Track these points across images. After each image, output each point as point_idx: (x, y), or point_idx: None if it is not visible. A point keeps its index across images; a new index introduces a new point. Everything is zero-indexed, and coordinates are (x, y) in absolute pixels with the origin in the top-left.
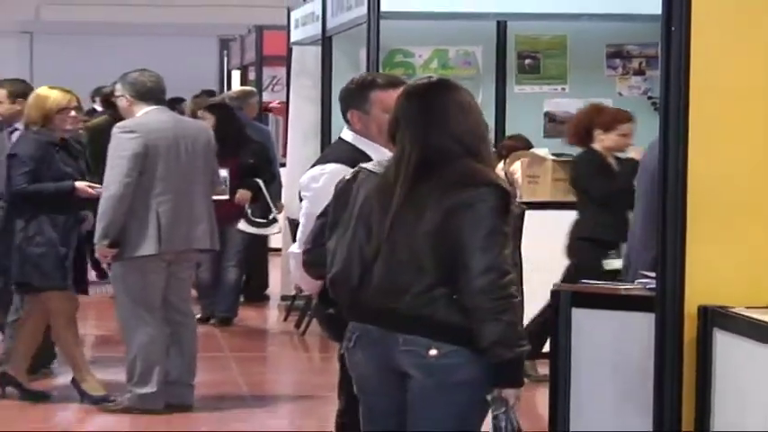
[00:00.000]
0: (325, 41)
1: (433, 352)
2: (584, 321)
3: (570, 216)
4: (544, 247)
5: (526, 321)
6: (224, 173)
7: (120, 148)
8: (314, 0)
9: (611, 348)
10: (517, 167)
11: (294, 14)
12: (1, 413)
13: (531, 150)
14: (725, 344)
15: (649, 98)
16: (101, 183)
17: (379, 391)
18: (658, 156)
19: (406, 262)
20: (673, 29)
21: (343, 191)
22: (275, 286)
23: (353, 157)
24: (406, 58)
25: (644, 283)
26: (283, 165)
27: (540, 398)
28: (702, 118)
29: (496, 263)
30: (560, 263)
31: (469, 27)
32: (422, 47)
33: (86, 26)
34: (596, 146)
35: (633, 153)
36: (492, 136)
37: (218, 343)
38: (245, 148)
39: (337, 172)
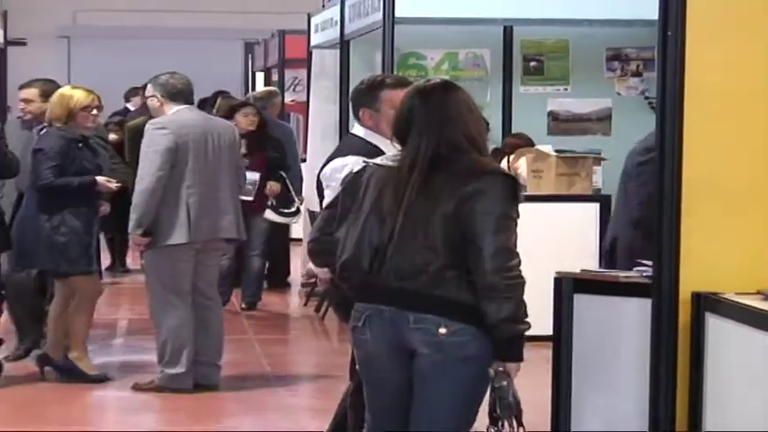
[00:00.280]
0: (343, 45)
1: (442, 330)
2: (584, 306)
3: (571, 208)
4: (547, 237)
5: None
6: (254, 176)
7: (153, 143)
8: (333, 6)
9: (611, 331)
10: (521, 163)
11: (314, 20)
12: (41, 392)
13: (536, 147)
14: (716, 327)
15: (646, 98)
16: None
17: (385, 369)
18: (656, 152)
19: (421, 246)
20: (669, 33)
21: (352, 183)
22: (296, 273)
23: (367, 149)
24: (419, 60)
25: (641, 271)
26: (304, 160)
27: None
28: (696, 116)
29: (507, 245)
30: (562, 252)
31: (478, 31)
32: (433, 50)
33: (120, 31)
34: None
35: None
36: (499, 133)
37: (243, 326)
38: (270, 143)
39: (357, 163)
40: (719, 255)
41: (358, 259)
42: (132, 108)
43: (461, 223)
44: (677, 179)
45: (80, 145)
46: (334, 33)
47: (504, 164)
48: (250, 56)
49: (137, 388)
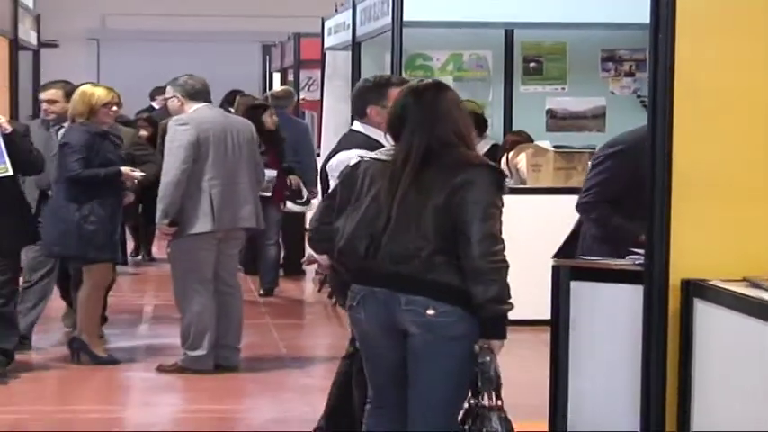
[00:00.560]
0: (355, 47)
1: (430, 311)
2: (580, 292)
3: (568, 200)
4: (546, 227)
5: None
6: (272, 173)
7: (176, 139)
8: (345, 11)
9: (605, 316)
10: (521, 158)
11: (327, 23)
12: (73, 373)
13: (535, 143)
14: (704, 312)
15: (638, 97)
16: None
17: (380, 346)
18: (647, 148)
19: (414, 234)
20: (660, 36)
21: (349, 176)
22: None
23: (369, 143)
24: (426, 61)
25: (633, 259)
26: (318, 155)
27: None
28: (685, 114)
29: (492, 232)
30: (560, 241)
31: (481, 34)
32: (439, 51)
33: (146, 34)
34: None
35: None
36: (500, 130)
37: (261, 311)
38: (281, 141)
39: (357, 155)
40: (707, 244)
41: (354, 245)
42: (157, 106)
43: (452, 212)
44: (667, 173)
45: (102, 139)
46: (346, 36)
47: (504, 159)
48: (267, 57)
49: (161, 369)
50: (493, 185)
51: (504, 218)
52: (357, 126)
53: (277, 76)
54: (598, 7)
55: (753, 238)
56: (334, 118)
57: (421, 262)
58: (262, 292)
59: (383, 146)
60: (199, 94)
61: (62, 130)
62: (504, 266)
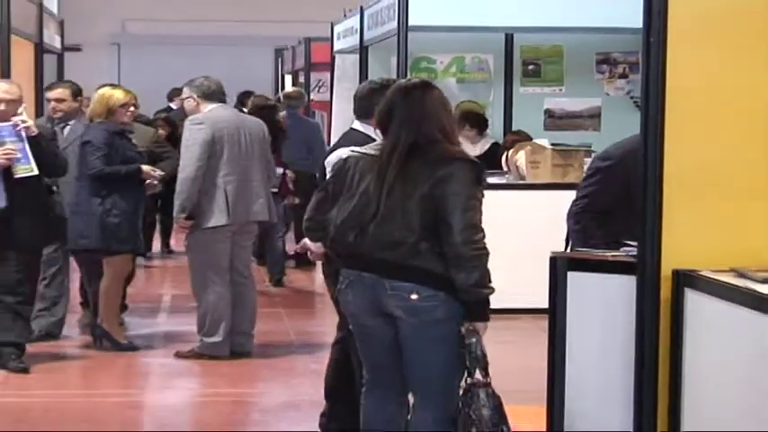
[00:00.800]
0: (363, 51)
1: (414, 296)
2: (577, 282)
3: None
4: (544, 221)
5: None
6: (279, 170)
7: (192, 137)
8: (353, 16)
9: (600, 305)
10: (520, 155)
11: (336, 28)
12: (95, 359)
13: (534, 141)
14: (694, 301)
15: (632, 98)
16: None
17: (368, 326)
18: (640, 146)
19: (400, 222)
20: (652, 40)
21: (340, 170)
22: None
23: (366, 141)
24: (430, 64)
25: (627, 251)
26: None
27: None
28: (676, 113)
29: (473, 222)
30: (557, 234)
31: (482, 38)
32: (443, 54)
33: (165, 38)
34: None
35: None
36: (501, 129)
37: (274, 300)
38: (284, 138)
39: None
40: (697, 236)
41: (344, 234)
42: (174, 107)
43: (435, 203)
44: (659, 169)
45: (120, 137)
46: (354, 40)
47: (504, 157)
48: (280, 60)
49: (179, 355)
50: (472, 179)
51: (504, 211)
52: (357, 125)
53: (289, 78)
54: (593, 13)
55: (740, 230)
56: (343, 118)
57: (406, 249)
58: (272, 283)
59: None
60: (214, 94)
61: (67, 128)
62: (484, 253)
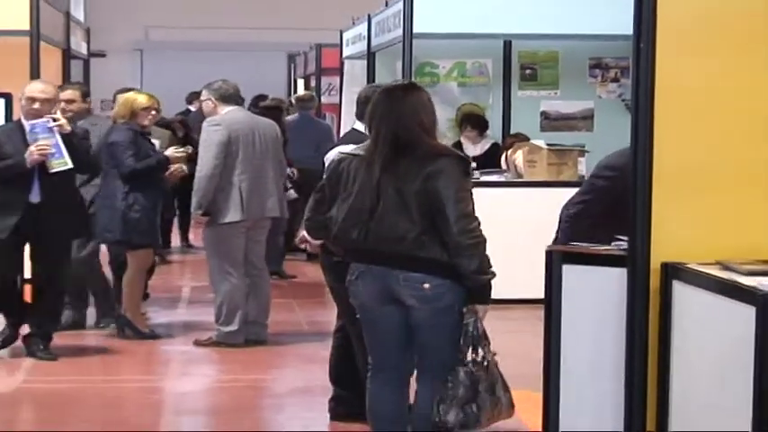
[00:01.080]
0: (370, 56)
1: (426, 285)
2: (571, 275)
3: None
4: (540, 216)
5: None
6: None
7: (210, 138)
8: (361, 24)
9: (593, 296)
10: (518, 155)
11: (345, 35)
12: (119, 347)
13: (531, 141)
14: (681, 292)
15: (623, 100)
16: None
17: (378, 313)
18: (630, 146)
19: (401, 218)
20: (641, 46)
21: (334, 172)
22: None
23: (364, 139)
24: (433, 69)
25: (618, 245)
26: None
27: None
28: (665, 114)
29: (467, 211)
30: (553, 229)
31: (483, 44)
32: (445, 60)
33: (185, 45)
34: None
35: None
36: (499, 129)
37: (286, 292)
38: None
39: (353, 150)
40: (684, 231)
41: (347, 232)
42: (193, 109)
43: (429, 196)
44: (649, 168)
45: (141, 136)
46: (362, 46)
47: (504, 156)
48: (292, 65)
49: (197, 343)
50: (461, 172)
51: (503, 207)
52: (358, 126)
53: (301, 82)
54: (587, 20)
55: (725, 225)
56: (352, 120)
57: (412, 242)
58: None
59: None
60: (231, 97)
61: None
62: (481, 241)
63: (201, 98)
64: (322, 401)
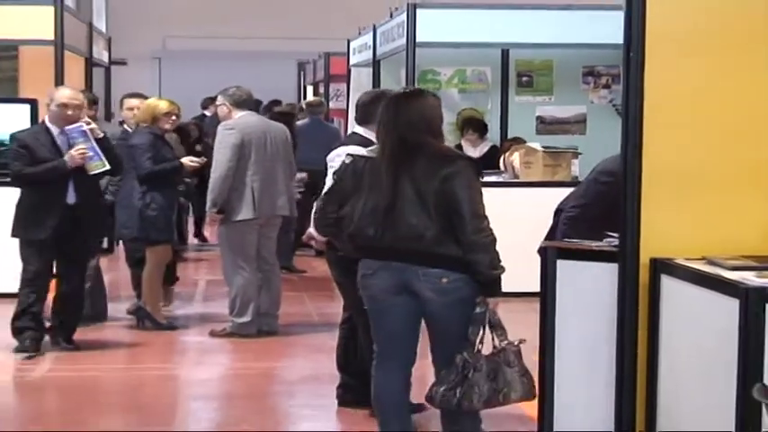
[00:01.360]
0: (375, 64)
1: (444, 280)
2: (565, 269)
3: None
4: (536, 214)
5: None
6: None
7: (224, 141)
8: (367, 33)
9: (586, 289)
10: (515, 157)
11: (352, 44)
12: (139, 337)
13: (527, 144)
14: (669, 286)
15: (614, 105)
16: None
17: (389, 302)
18: (621, 149)
19: (420, 216)
20: (631, 54)
21: (344, 172)
22: None
23: (364, 142)
24: (435, 76)
25: (609, 241)
26: None
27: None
28: (653, 119)
29: (479, 212)
30: (548, 226)
31: (482, 53)
32: (446, 67)
33: (201, 53)
34: None
35: None
36: (498, 133)
37: (297, 285)
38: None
39: (356, 150)
40: (672, 228)
41: (363, 230)
42: (208, 114)
43: (446, 197)
44: (638, 169)
45: (161, 140)
46: (368, 55)
47: (502, 158)
48: (302, 72)
49: (212, 334)
50: (473, 175)
51: (501, 207)
52: (358, 129)
53: (310, 89)
54: (580, 31)
55: (710, 223)
56: None
57: (430, 239)
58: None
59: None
60: (244, 103)
61: None
62: (492, 239)
63: (217, 103)
64: (330, 388)
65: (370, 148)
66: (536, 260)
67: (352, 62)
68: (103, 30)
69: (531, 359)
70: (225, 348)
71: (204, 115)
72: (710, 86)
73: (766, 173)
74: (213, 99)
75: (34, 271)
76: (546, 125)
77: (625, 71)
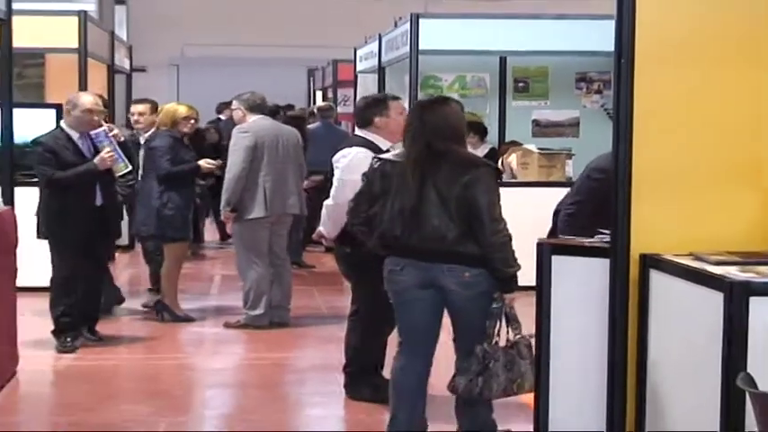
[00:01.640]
0: (381, 71)
1: (467, 274)
2: (560, 264)
3: (550, 191)
4: (532, 213)
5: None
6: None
7: (239, 143)
8: (372, 42)
9: (579, 283)
10: (512, 158)
11: (359, 52)
12: (157, 329)
13: (524, 146)
14: (658, 280)
15: (605, 110)
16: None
17: (415, 295)
18: (612, 150)
19: (442, 218)
20: (622, 61)
21: (373, 174)
22: None
23: (365, 143)
24: (437, 82)
25: (602, 238)
26: None
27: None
28: (642, 123)
29: (496, 215)
30: (543, 224)
31: (481, 60)
32: (447, 74)
33: (216, 60)
34: None
35: None
36: (496, 136)
37: (307, 280)
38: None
39: (357, 151)
40: (661, 226)
41: (392, 230)
42: (223, 118)
43: (467, 201)
44: (628, 169)
45: (180, 143)
46: (373, 62)
47: (500, 160)
48: (311, 79)
49: (227, 325)
50: (492, 181)
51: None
52: (358, 131)
53: (319, 94)
54: (573, 39)
55: (697, 221)
56: None
57: (451, 240)
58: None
59: (378, 146)
60: (258, 107)
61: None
62: (508, 239)
63: (232, 107)
64: (338, 377)
65: (396, 152)
66: (532, 256)
67: (358, 69)
68: (125, 38)
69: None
70: (239, 339)
71: (219, 119)
72: (697, 91)
73: (750, 174)
74: (228, 104)
75: (67, 275)
76: (541, 128)
77: (616, 77)
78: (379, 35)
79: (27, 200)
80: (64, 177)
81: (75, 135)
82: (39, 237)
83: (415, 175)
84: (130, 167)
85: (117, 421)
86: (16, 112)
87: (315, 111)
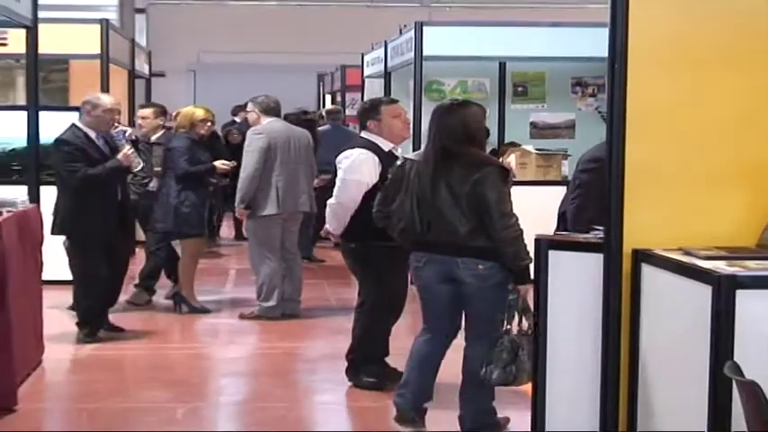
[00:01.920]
0: (387, 76)
1: (481, 267)
2: (557, 259)
3: (547, 190)
4: (530, 211)
5: None
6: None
7: (253, 144)
8: (379, 48)
9: (575, 277)
10: (511, 158)
11: (366, 58)
12: (175, 320)
13: (522, 147)
14: (649, 274)
15: (599, 112)
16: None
17: (438, 290)
18: (605, 150)
19: (457, 214)
20: (615, 66)
21: (396, 172)
22: None
23: (368, 145)
24: (439, 86)
25: (596, 234)
26: None
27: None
28: (634, 124)
29: (506, 211)
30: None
31: (481, 65)
32: (450, 78)
33: (231, 66)
34: None
35: None
36: (496, 138)
37: (317, 273)
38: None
39: (359, 152)
40: (652, 221)
41: (412, 225)
42: (238, 120)
43: (476, 198)
44: (621, 168)
45: (197, 144)
46: (380, 67)
47: (500, 160)
48: (321, 83)
49: (241, 317)
50: (501, 179)
51: None
52: (363, 134)
53: (328, 98)
54: (569, 45)
55: (687, 217)
56: None
57: (464, 235)
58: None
59: (379, 147)
60: (272, 110)
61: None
62: (519, 234)
63: (247, 110)
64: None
65: (416, 153)
66: (531, 249)
67: (365, 74)
68: (144, 45)
69: None
70: (253, 330)
71: (234, 121)
72: (687, 95)
73: (737, 174)
74: (242, 107)
75: (94, 272)
76: (539, 130)
77: (609, 81)
78: (385, 42)
79: (52, 198)
80: (96, 174)
81: (92, 134)
82: (53, 233)
83: (430, 175)
84: (143, 164)
85: (137, 407)
86: (42, 114)
87: (324, 114)
